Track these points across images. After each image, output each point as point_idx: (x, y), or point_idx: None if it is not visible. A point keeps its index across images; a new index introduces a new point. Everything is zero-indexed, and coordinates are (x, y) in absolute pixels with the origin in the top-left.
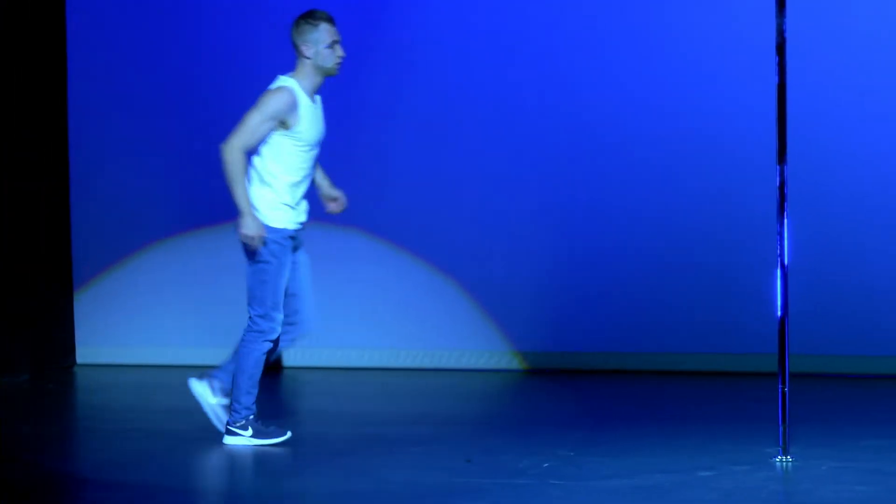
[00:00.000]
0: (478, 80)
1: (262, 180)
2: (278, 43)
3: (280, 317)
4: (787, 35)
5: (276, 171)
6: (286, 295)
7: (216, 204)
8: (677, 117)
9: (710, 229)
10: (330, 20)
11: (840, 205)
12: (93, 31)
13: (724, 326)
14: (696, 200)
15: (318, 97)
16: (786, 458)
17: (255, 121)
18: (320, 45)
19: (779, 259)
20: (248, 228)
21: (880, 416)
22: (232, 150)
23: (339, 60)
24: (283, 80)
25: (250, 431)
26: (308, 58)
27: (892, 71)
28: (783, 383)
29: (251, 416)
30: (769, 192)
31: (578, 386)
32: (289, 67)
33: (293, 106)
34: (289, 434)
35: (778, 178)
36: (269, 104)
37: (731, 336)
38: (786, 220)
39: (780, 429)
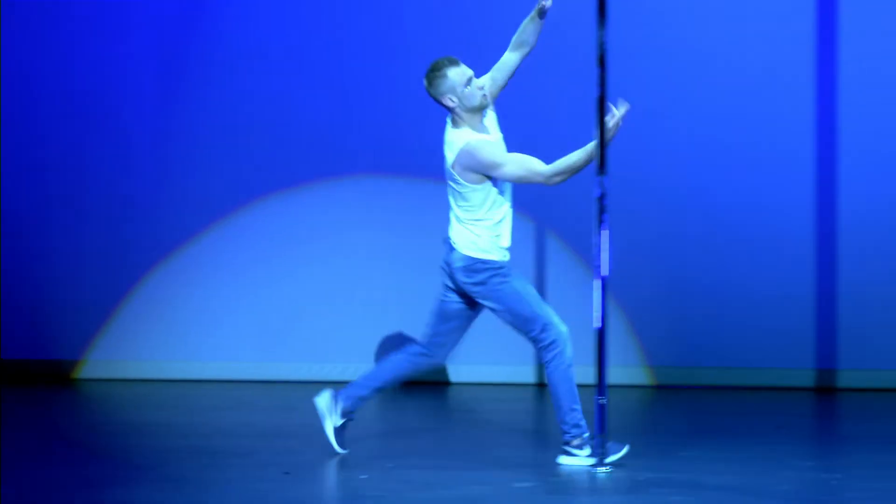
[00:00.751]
0: None
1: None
2: None
3: (556, 320)
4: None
5: (483, 215)
6: (446, 318)
7: None
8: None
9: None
10: (454, 62)
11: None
12: None
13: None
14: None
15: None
16: (604, 469)
17: (508, 160)
18: (459, 91)
19: (596, 271)
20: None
21: (703, 427)
22: (548, 175)
23: (482, 93)
24: (466, 136)
25: (587, 451)
26: (454, 107)
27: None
28: (601, 395)
29: (585, 436)
30: None
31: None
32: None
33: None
34: (627, 448)
35: (599, 190)
36: (495, 151)
37: None
38: (604, 232)
39: (597, 440)
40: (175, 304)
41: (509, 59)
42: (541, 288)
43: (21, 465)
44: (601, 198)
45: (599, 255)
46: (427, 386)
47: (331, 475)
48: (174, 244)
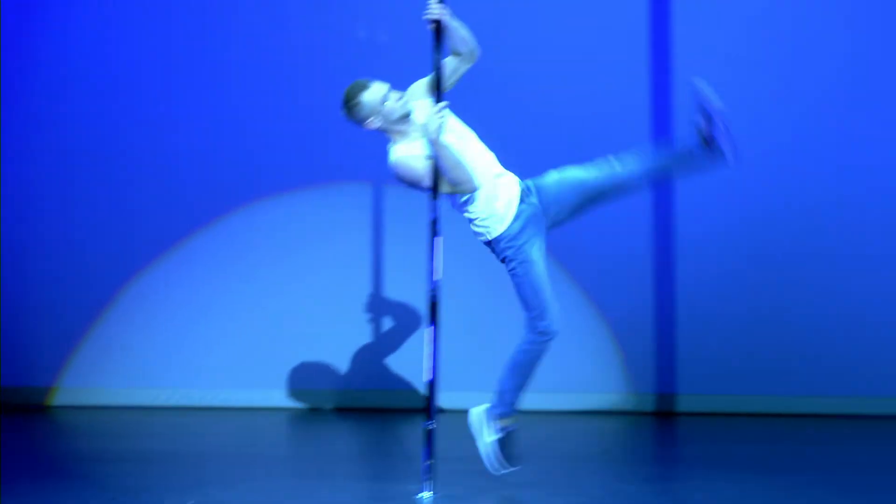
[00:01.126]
0: None
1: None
2: None
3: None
4: None
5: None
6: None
7: None
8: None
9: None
10: (364, 85)
11: None
12: None
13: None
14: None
15: (414, 131)
16: (428, 495)
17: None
18: (378, 110)
19: (429, 293)
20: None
21: (535, 451)
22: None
23: (402, 102)
24: (395, 153)
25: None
26: (381, 126)
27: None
28: (430, 419)
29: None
30: None
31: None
32: None
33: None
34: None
35: (432, 213)
36: (416, 169)
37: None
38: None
39: (425, 464)
40: (143, 330)
41: (448, 62)
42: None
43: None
44: (434, 222)
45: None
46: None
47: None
48: (143, 264)
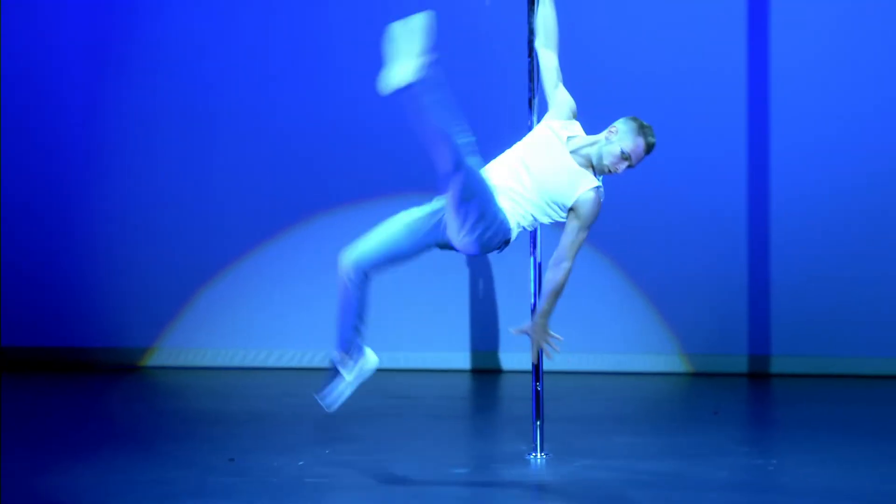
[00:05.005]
0: None
1: None
2: None
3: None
4: None
5: None
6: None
7: None
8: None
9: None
10: (648, 148)
11: None
12: None
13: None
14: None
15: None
16: (540, 455)
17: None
18: (625, 145)
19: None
20: None
21: (635, 413)
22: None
23: (616, 170)
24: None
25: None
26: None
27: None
28: (537, 380)
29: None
30: None
31: None
32: None
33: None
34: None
35: None
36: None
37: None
38: None
39: (535, 426)
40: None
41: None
42: None
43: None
44: None
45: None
46: None
47: (272, 462)
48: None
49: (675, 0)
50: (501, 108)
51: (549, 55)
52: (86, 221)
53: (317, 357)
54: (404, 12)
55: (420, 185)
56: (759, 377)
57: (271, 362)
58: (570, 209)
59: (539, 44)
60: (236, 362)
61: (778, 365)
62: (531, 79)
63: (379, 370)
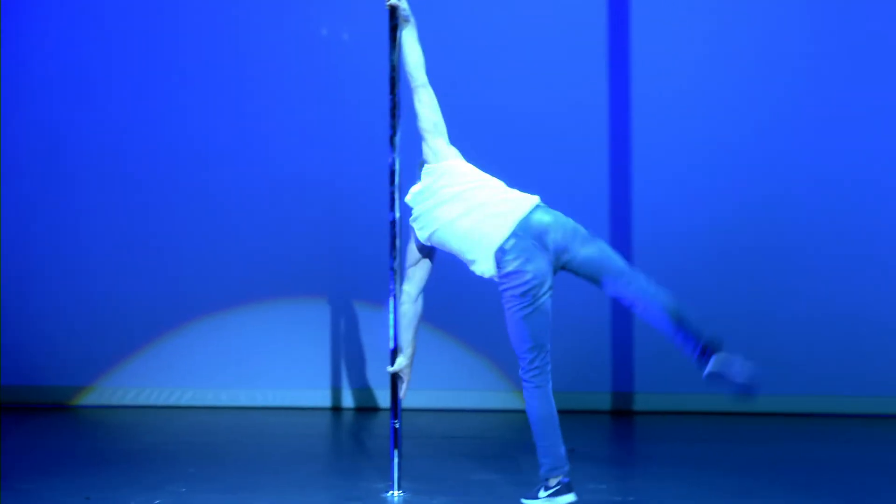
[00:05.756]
0: None
1: None
2: None
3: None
4: None
5: None
6: None
7: None
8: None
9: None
10: None
11: None
12: None
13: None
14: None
15: None
16: (398, 492)
17: None
18: None
19: (390, 292)
20: None
21: (494, 450)
22: None
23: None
24: None
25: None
26: None
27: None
28: (395, 418)
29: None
30: None
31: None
32: None
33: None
34: None
35: (391, 217)
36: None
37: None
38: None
39: (393, 463)
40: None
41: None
42: None
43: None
44: (392, 223)
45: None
46: (223, 410)
47: (129, 500)
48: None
49: (535, 35)
50: (363, 145)
51: (426, 92)
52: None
53: (223, 395)
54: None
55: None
56: (622, 414)
57: (185, 401)
58: None
59: (412, 83)
60: (161, 401)
61: (641, 402)
62: (393, 115)
63: (238, 408)
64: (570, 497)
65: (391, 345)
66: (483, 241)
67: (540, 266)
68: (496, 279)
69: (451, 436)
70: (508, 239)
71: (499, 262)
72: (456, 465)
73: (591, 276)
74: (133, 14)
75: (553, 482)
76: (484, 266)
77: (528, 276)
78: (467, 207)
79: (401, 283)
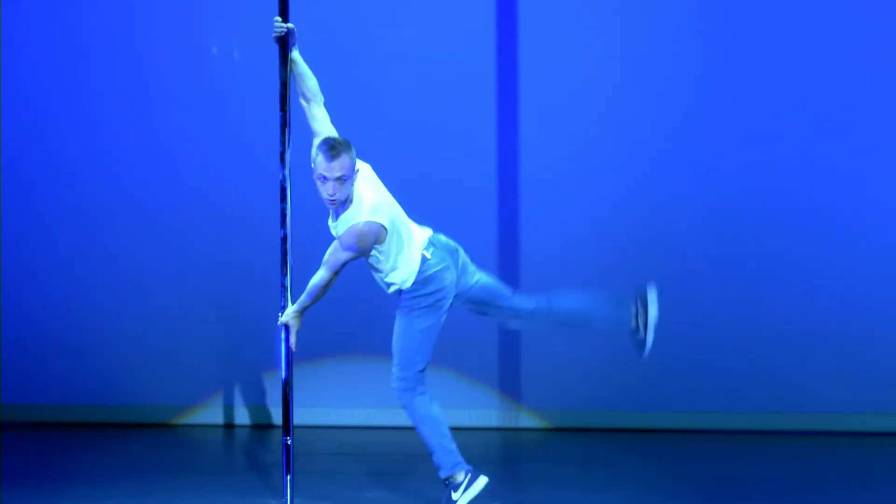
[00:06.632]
0: None
1: None
2: None
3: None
4: None
5: None
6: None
7: None
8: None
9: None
10: (328, 153)
11: None
12: None
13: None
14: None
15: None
16: None
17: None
18: (315, 174)
19: (281, 310)
20: None
21: (390, 468)
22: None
23: (325, 197)
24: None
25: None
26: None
27: None
28: (287, 435)
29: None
30: None
31: None
32: None
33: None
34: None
35: (282, 231)
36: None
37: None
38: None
39: (285, 480)
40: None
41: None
42: None
43: None
44: (284, 239)
45: (283, 299)
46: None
47: None
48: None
49: (423, 49)
50: (251, 162)
51: (319, 109)
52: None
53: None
54: None
55: None
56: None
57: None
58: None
59: (306, 102)
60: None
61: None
62: (283, 132)
63: (134, 425)
64: (483, 479)
65: (282, 375)
66: (413, 246)
67: (452, 279)
68: (407, 287)
69: (344, 452)
70: (429, 247)
71: (420, 268)
72: (351, 483)
73: (482, 302)
74: (37, 17)
75: (460, 477)
76: (406, 273)
77: (445, 283)
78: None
79: (292, 301)
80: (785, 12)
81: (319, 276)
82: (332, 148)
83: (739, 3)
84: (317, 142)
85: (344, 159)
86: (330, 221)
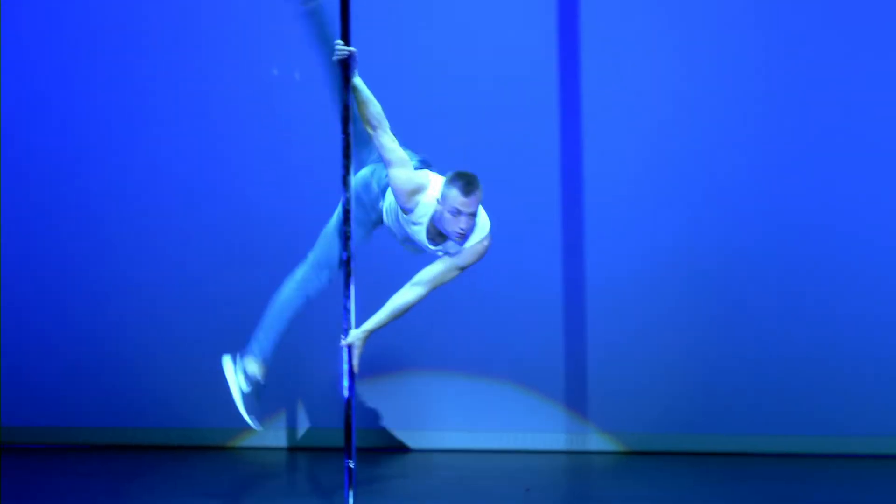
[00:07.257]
0: None
1: None
2: None
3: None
4: None
5: None
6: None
7: None
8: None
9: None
10: (465, 188)
11: None
12: None
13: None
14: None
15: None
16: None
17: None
18: (445, 205)
19: (344, 333)
20: None
21: (452, 491)
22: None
23: (455, 230)
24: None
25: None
26: (438, 203)
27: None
28: (349, 457)
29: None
30: None
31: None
32: None
33: (415, 192)
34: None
35: (345, 253)
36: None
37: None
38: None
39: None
40: None
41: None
42: None
43: None
44: (348, 261)
45: (347, 318)
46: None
47: None
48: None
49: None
50: (316, 185)
51: (385, 136)
52: None
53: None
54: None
55: None
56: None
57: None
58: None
59: (372, 130)
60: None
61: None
62: (346, 155)
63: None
64: (245, 386)
65: (344, 396)
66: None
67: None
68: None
69: (407, 475)
70: None
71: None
72: None
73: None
74: (96, 37)
75: (252, 366)
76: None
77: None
78: None
79: (356, 325)
80: (851, 25)
81: (415, 294)
82: (469, 183)
83: (806, 13)
84: (446, 177)
85: (479, 194)
86: (424, 240)
